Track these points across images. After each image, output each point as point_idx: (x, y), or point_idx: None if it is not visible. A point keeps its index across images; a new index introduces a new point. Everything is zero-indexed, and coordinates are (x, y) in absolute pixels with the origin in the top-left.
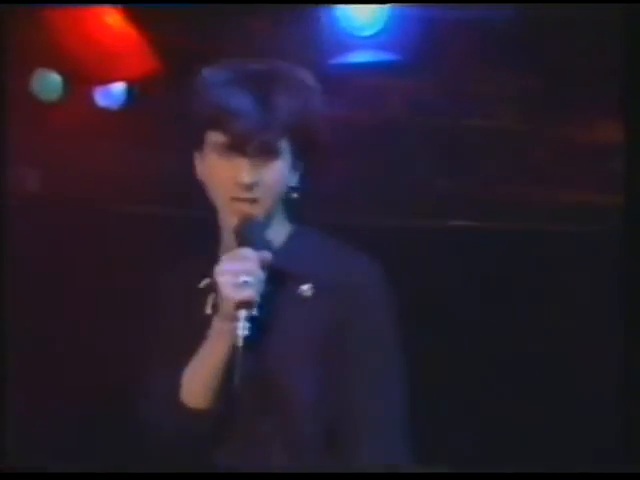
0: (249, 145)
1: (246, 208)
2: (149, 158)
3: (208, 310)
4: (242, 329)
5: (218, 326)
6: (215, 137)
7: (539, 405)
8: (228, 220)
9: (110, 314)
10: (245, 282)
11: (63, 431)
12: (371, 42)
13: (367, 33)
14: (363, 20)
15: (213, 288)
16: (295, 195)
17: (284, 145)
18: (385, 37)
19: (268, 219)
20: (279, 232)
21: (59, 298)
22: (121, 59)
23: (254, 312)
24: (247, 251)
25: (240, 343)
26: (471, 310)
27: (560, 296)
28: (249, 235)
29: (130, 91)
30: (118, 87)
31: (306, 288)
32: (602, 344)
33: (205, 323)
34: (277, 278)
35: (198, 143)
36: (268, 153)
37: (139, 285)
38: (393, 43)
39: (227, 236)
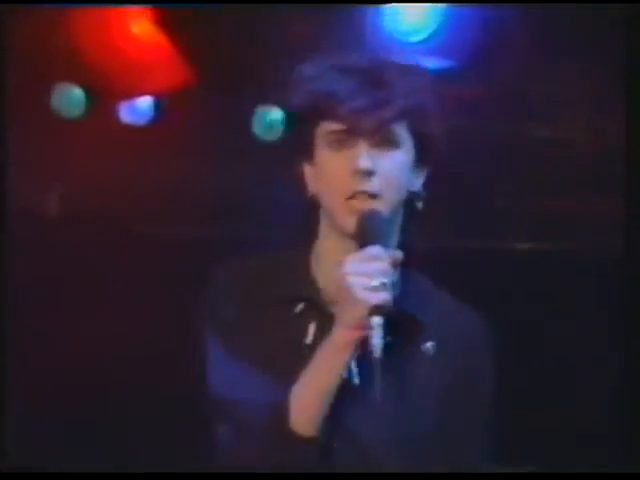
0: (363, 127)
1: (367, 204)
2: (178, 178)
3: (309, 339)
4: (378, 337)
5: (342, 338)
6: (325, 128)
7: (539, 405)
8: (345, 222)
9: (111, 313)
10: (382, 284)
11: (63, 431)
12: (421, 47)
13: (416, 38)
14: (412, 24)
15: (312, 313)
16: (419, 204)
17: (403, 134)
18: (436, 42)
19: (393, 217)
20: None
21: (59, 298)
22: (148, 69)
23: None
24: (378, 249)
25: (378, 353)
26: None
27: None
28: (376, 231)
29: (157, 105)
30: (144, 101)
31: (430, 345)
32: (602, 344)
33: (299, 352)
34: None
35: (307, 149)
36: (386, 139)
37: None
38: (445, 48)
39: (337, 246)
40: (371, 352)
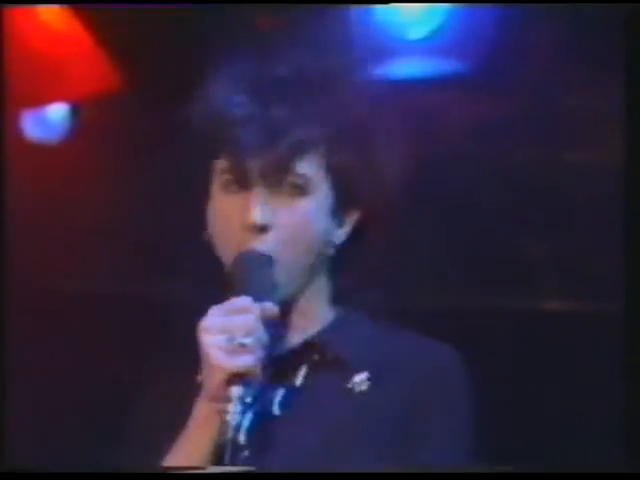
0: (256, 167)
1: (254, 243)
2: (99, 212)
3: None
4: (233, 414)
5: (200, 410)
6: (219, 165)
7: (539, 405)
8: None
9: (111, 312)
10: (241, 345)
11: (63, 431)
12: (422, 47)
13: (417, 35)
14: (411, 18)
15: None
16: (337, 256)
17: (318, 176)
18: (441, 40)
19: (286, 269)
20: (319, 315)
21: (59, 297)
22: (61, 70)
23: (249, 394)
24: (244, 300)
25: (229, 434)
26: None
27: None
28: (247, 274)
29: (73, 114)
30: (57, 110)
31: (359, 380)
32: (602, 343)
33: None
34: (314, 365)
35: (204, 184)
36: (288, 182)
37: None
38: (451, 47)
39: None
40: (223, 432)
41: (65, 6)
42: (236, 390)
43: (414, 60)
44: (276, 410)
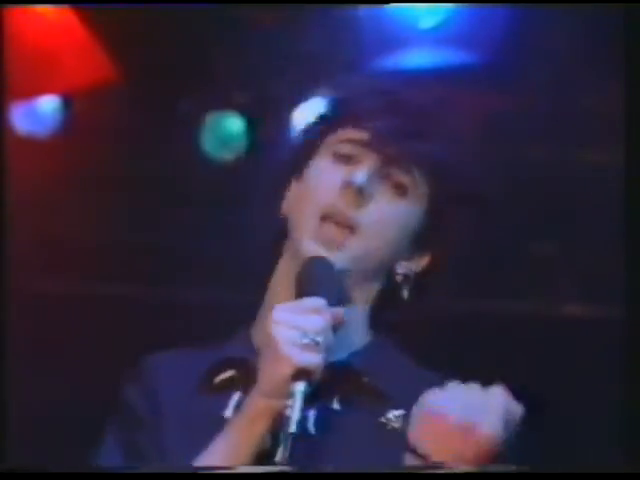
0: (384, 148)
1: (338, 234)
2: (89, 213)
3: (228, 412)
4: (297, 410)
5: (255, 406)
6: (340, 135)
7: (539, 405)
8: (307, 250)
9: (111, 311)
10: (314, 342)
11: (63, 431)
12: (431, 37)
13: (426, 25)
14: (421, 7)
15: (235, 383)
16: (404, 292)
17: (421, 189)
18: (451, 30)
19: (352, 277)
20: (359, 334)
21: (59, 296)
22: (54, 63)
23: (310, 391)
24: (318, 301)
25: (292, 429)
26: None
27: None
28: (320, 278)
29: (65, 107)
30: (48, 102)
31: (393, 417)
32: (602, 344)
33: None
34: (349, 391)
35: (303, 161)
36: (399, 179)
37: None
38: (462, 38)
39: (289, 291)
40: (283, 427)
41: (64, 6)
42: (300, 386)
43: (421, 52)
44: (311, 429)
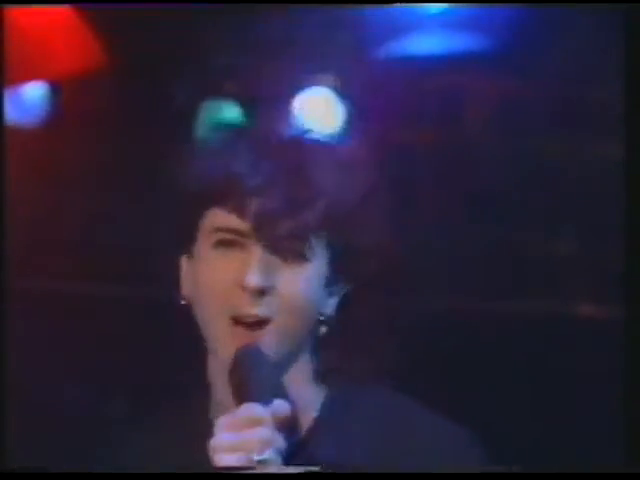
0: (267, 231)
1: (250, 334)
2: (78, 206)
3: None
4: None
5: None
6: (212, 221)
7: (539, 405)
8: (226, 353)
9: (111, 312)
10: (261, 462)
11: (63, 431)
12: (438, 22)
13: (434, 10)
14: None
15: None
16: (324, 329)
17: (319, 246)
18: (459, 14)
19: (284, 357)
20: (308, 399)
21: (59, 295)
22: (42, 49)
23: None
24: (254, 408)
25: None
26: None
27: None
28: (251, 370)
29: (53, 95)
30: (35, 90)
31: None
32: (602, 344)
33: None
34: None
35: (187, 241)
36: (293, 249)
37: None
38: (471, 23)
39: (222, 385)
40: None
41: (64, 6)
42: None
43: (427, 38)
44: None
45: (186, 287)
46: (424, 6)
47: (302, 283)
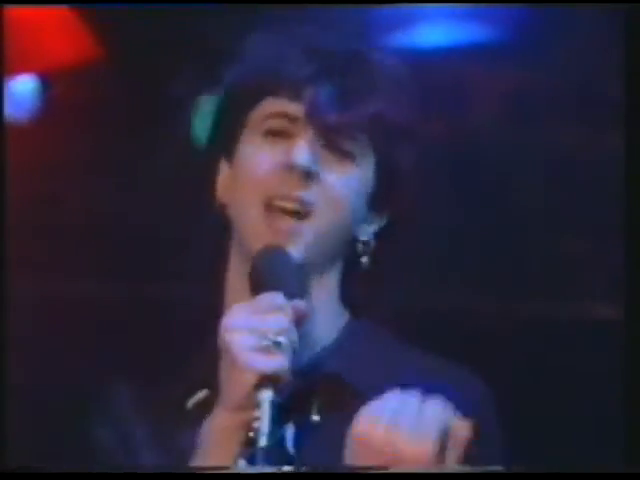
0: (317, 120)
1: (288, 222)
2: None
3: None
4: (267, 421)
5: (220, 423)
6: (264, 110)
7: (538, 405)
8: (255, 242)
9: (111, 313)
10: (275, 343)
11: (63, 431)
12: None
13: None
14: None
15: (210, 400)
16: (364, 260)
17: (366, 152)
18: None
19: (312, 268)
20: (330, 322)
21: (59, 294)
22: (31, 40)
23: (279, 399)
24: (276, 297)
25: (263, 442)
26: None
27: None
28: (275, 270)
29: (42, 89)
30: (24, 83)
31: None
32: (602, 344)
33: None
34: (329, 398)
35: (229, 141)
36: (341, 145)
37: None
38: (485, 12)
39: (239, 287)
40: (254, 439)
41: (64, 6)
42: (267, 394)
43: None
44: (290, 447)
45: (221, 190)
46: (424, 6)
47: (347, 182)
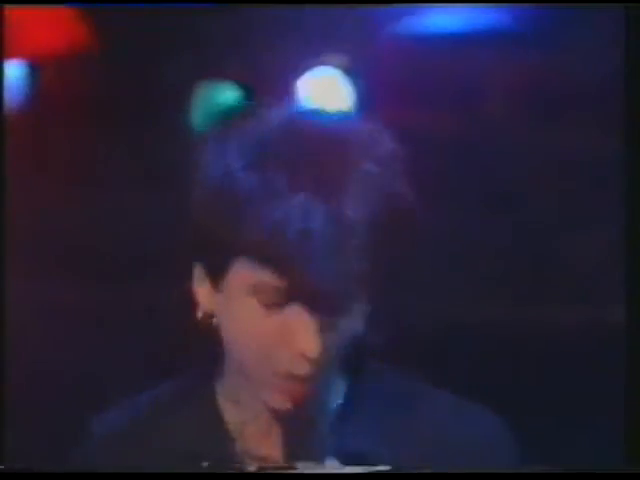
0: (306, 291)
1: (298, 388)
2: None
3: None
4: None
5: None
6: (250, 276)
7: (538, 405)
8: (272, 400)
9: (110, 314)
10: None
11: (63, 431)
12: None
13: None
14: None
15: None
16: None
17: (355, 304)
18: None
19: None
20: (332, 391)
21: (59, 293)
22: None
23: None
24: None
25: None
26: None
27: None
28: None
29: (31, 74)
30: (10, 69)
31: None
32: (603, 342)
33: None
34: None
35: (213, 274)
36: (339, 308)
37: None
38: (485, 12)
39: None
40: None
41: (64, 6)
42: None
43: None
44: None
45: (205, 305)
46: (424, 6)
47: (342, 339)
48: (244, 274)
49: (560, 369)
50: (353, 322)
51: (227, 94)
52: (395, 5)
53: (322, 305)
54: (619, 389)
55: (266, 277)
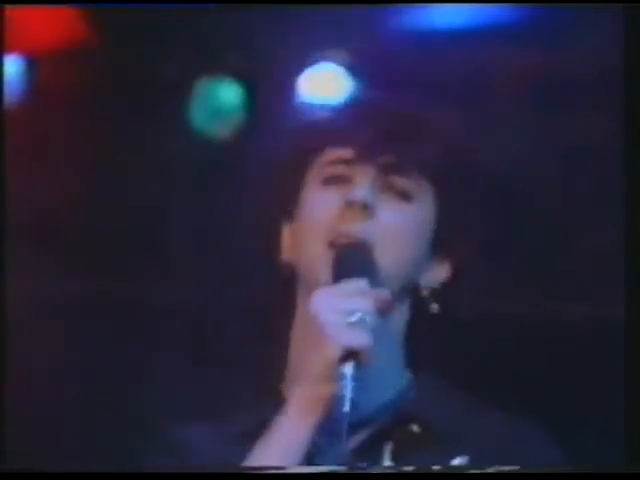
0: (370, 160)
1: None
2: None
3: None
4: (349, 390)
5: (307, 394)
6: (324, 158)
7: (538, 405)
8: (319, 272)
9: (110, 314)
10: (361, 320)
11: (62, 431)
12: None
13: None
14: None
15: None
16: (434, 307)
17: (422, 192)
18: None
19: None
20: (392, 381)
21: (59, 291)
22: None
23: (360, 375)
24: (361, 284)
25: (347, 408)
26: None
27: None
28: (356, 265)
29: (29, 68)
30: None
31: (459, 462)
32: (603, 342)
33: None
34: (400, 440)
35: (290, 198)
36: (399, 186)
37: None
38: (484, 12)
39: (306, 340)
40: (339, 407)
41: (64, 6)
42: (349, 368)
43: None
44: None
45: (285, 248)
46: (425, 6)
47: (404, 219)
48: (321, 160)
49: (560, 369)
50: (417, 211)
51: (228, 90)
52: (395, 5)
53: (386, 179)
54: (619, 389)
55: (335, 152)
